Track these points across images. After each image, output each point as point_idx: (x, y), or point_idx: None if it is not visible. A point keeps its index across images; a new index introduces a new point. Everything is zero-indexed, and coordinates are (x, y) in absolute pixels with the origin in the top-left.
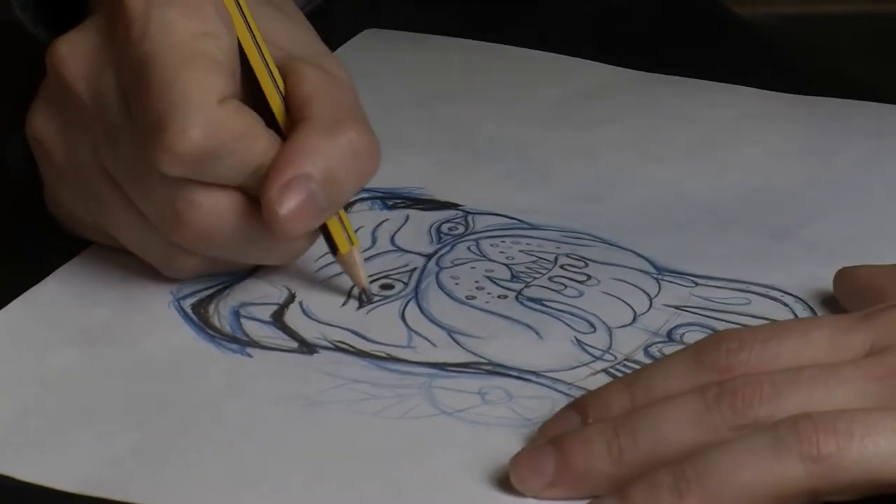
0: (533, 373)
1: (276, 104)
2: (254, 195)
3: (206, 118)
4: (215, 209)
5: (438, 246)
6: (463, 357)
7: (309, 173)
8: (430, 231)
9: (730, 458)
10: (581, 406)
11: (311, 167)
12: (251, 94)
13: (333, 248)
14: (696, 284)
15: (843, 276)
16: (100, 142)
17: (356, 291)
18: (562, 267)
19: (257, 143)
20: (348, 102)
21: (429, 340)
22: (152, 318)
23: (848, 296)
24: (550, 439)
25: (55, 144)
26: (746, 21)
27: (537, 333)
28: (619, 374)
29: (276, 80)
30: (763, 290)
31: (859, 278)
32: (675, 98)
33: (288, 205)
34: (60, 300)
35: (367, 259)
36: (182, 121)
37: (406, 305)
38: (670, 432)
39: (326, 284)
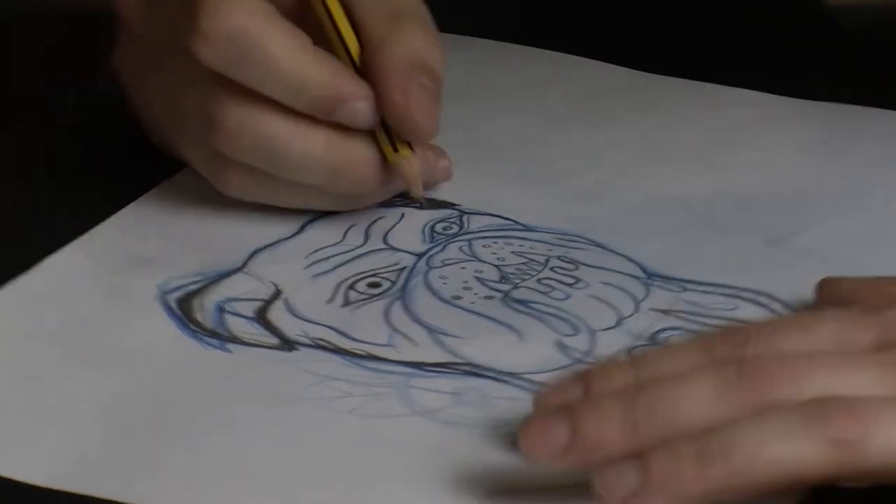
0: (511, 374)
1: (345, 29)
2: (303, 111)
3: (240, 5)
4: (249, 115)
5: (430, 245)
6: (441, 357)
7: (413, 70)
8: (423, 230)
9: (759, 432)
10: (585, 377)
11: (413, 71)
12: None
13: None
14: (686, 289)
15: (825, 285)
16: (154, 61)
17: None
18: (552, 269)
19: (302, 53)
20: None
21: (409, 339)
22: (134, 311)
23: (829, 305)
24: (561, 408)
25: (130, 76)
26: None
27: (519, 335)
28: None
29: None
30: (751, 296)
31: (842, 290)
32: (680, 100)
33: (421, 111)
34: (46, 290)
35: (358, 256)
36: (216, 3)
37: (392, 304)
38: (688, 408)
39: (313, 282)
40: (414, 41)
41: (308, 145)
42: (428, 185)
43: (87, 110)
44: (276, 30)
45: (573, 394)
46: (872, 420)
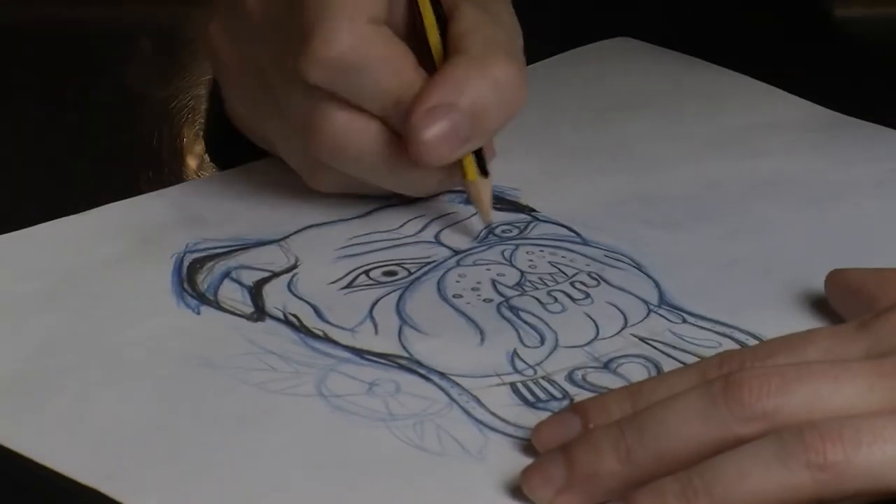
0: (440, 374)
1: (434, 40)
2: (394, 127)
3: (352, 31)
4: (349, 126)
5: (475, 245)
6: (390, 348)
7: (454, 102)
8: (481, 231)
9: (736, 466)
10: (582, 410)
11: (456, 96)
12: (419, 34)
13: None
14: (685, 321)
15: (834, 277)
16: (260, 47)
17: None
18: (572, 283)
19: (402, 73)
20: (501, 39)
21: (375, 327)
22: (145, 263)
23: (838, 297)
24: (559, 447)
25: (226, 51)
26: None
27: (482, 339)
28: (524, 390)
29: (442, 18)
30: (743, 337)
31: (849, 281)
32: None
33: (431, 131)
34: (86, 234)
35: (396, 246)
36: (329, 30)
37: (389, 294)
38: (676, 428)
39: (334, 263)
40: (485, 89)
41: (403, 160)
42: None
43: (87, 110)
44: (384, 55)
45: (571, 428)
46: (852, 441)
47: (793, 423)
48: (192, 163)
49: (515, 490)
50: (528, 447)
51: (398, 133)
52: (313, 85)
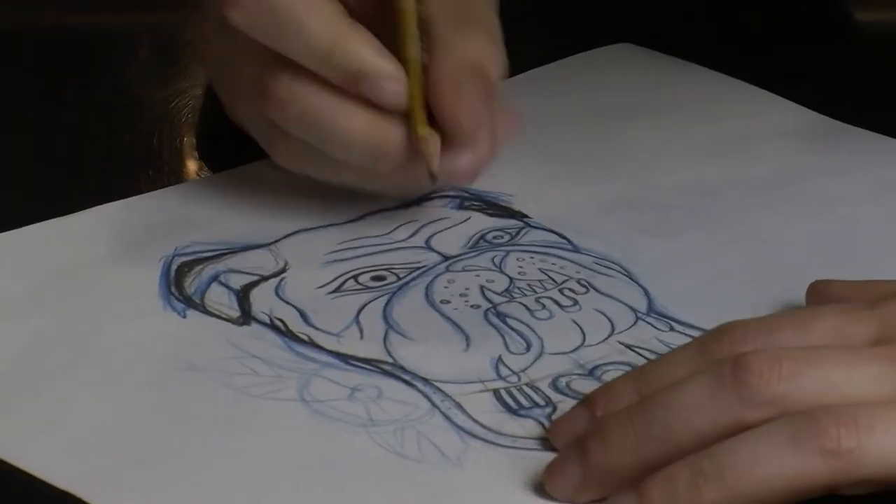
0: (424, 379)
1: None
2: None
3: None
4: (293, 81)
5: (465, 251)
6: (374, 353)
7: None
8: (472, 237)
9: (748, 451)
10: (589, 401)
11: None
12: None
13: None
14: (672, 329)
15: (816, 288)
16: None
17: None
18: (561, 290)
19: (328, 21)
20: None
21: (361, 332)
22: (133, 266)
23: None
24: (573, 442)
25: (213, 40)
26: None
27: (467, 345)
28: (507, 396)
29: None
30: None
31: (831, 293)
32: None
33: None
34: (75, 236)
35: (386, 251)
36: None
37: (376, 299)
38: (684, 413)
39: (323, 267)
40: (472, 48)
41: (352, 122)
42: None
43: (87, 110)
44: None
45: (580, 419)
46: (866, 428)
47: (802, 409)
48: (192, 163)
49: (493, 496)
50: (507, 454)
51: (341, 90)
52: (240, 29)
